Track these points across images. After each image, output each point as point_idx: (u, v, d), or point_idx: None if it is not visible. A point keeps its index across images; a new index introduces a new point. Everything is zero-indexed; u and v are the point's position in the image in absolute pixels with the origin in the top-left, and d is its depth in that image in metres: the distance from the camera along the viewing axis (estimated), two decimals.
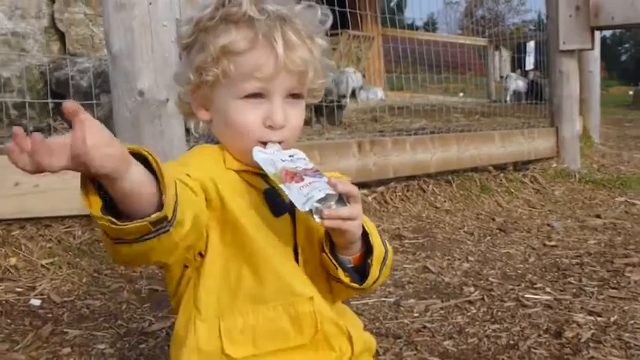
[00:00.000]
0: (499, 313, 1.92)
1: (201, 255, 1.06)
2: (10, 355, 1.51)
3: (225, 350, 1.04)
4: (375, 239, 1.11)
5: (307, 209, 0.98)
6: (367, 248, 1.10)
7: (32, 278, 1.98)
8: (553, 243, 2.83)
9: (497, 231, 3.05)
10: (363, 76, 9.10)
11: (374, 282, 1.11)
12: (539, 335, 1.74)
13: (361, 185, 3.24)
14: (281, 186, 1.00)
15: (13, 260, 2.00)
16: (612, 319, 1.86)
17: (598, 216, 3.42)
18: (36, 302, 1.84)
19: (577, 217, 3.39)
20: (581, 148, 4.98)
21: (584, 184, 4.22)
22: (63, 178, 2.12)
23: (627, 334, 1.74)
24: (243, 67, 1.06)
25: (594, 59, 6.16)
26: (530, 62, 9.73)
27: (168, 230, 0.90)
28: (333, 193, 1.00)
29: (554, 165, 4.46)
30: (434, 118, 5.35)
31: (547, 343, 1.68)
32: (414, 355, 1.61)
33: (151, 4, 2.14)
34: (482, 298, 2.05)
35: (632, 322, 1.83)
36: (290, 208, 1.09)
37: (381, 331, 1.76)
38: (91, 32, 4.38)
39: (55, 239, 2.16)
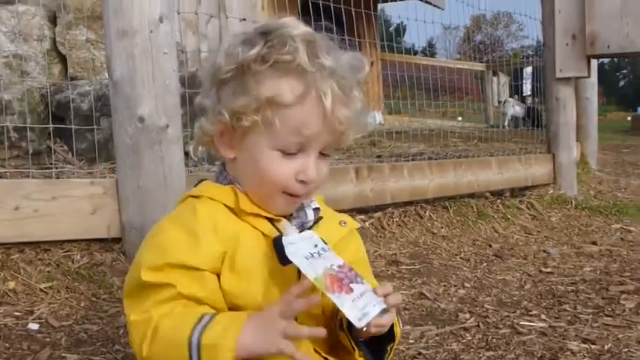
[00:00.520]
0: (494, 340, 1.93)
1: None
2: None
3: None
4: (397, 328, 1.13)
5: (363, 325, 0.99)
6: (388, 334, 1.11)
7: (31, 302, 1.99)
8: (549, 269, 2.84)
9: (494, 257, 3.06)
10: None
11: None
12: None
13: (359, 211, 3.26)
14: (329, 295, 1.00)
15: (11, 284, 2.02)
16: (606, 347, 1.87)
17: (594, 243, 3.44)
18: (34, 326, 1.85)
19: (573, 244, 3.41)
20: (578, 175, 5.00)
21: (581, 211, 4.24)
22: (61, 203, 2.16)
23: None
24: (289, 122, 1.03)
25: (591, 86, 6.21)
26: (527, 88, 9.79)
27: None
28: (385, 306, 1.03)
29: (551, 191, 4.48)
30: (432, 142, 5.37)
31: None
32: None
33: (152, 32, 2.18)
34: (478, 325, 2.07)
35: (625, 350, 1.84)
36: None
37: None
38: (92, 55, 4.42)
39: (54, 263, 2.17)
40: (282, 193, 1.08)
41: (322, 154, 1.09)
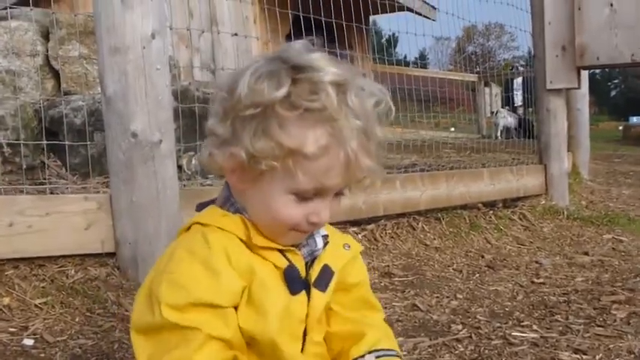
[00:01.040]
0: (486, 351, 1.94)
1: None
2: None
3: None
4: None
5: None
6: None
7: (25, 318, 1.99)
8: (541, 280, 2.86)
9: (486, 268, 3.08)
10: None
11: None
12: None
13: (351, 223, 3.28)
14: None
15: (6, 300, 2.02)
16: (597, 357, 1.89)
17: (586, 253, 3.46)
18: (29, 342, 1.85)
19: (565, 254, 3.43)
20: (570, 185, 5.03)
21: (573, 221, 4.27)
22: (55, 218, 2.16)
23: None
24: (310, 172, 0.99)
25: (582, 96, 6.25)
26: (518, 98, 9.86)
27: None
28: None
29: (543, 202, 4.50)
30: (425, 153, 5.40)
31: None
32: None
33: (144, 48, 2.20)
34: (470, 336, 2.08)
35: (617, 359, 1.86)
36: (306, 286, 1.10)
37: None
38: (85, 70, 4.44)
39: (49, 279, 2.18)
40: (291, 230, 1.06)
41: (338, 194, 1.07)
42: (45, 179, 3.15)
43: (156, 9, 2.24)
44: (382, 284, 2.70)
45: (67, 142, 2.68)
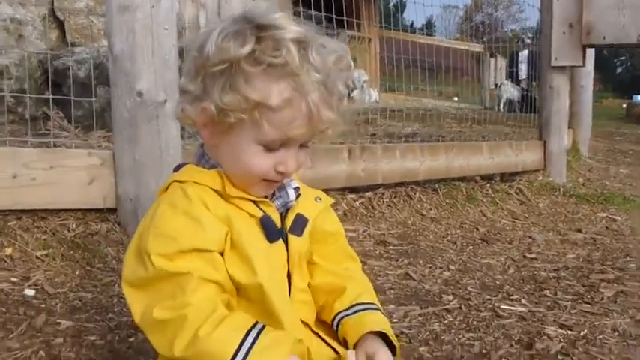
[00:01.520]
0: (474, 322, 1.99)
1: None
2: (5, 343, 1.57)
3: None
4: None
5: None
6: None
7: (27, 268, 2.04)
8: (533, 255, 2.91)
9: (480, 241, 3.12)
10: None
11: None
12: (511, 345, 1.81)
13: (350, 190, 3.31)
14: None
15: (9, 250, 2.06)
16: (582, 333, 1.93)
17: (579, 230, 3.51)
18: (30, 292, 1.90)
19: (558, 231, 3.48)
20: (568, 162, 5.06)
21: (568, 198, 4.31)
22: (58, 172, 2.20)
23: (595, 349, 1.81)
24: (275, 123, 1.06)
25: (587, 74, 6.25)
26: (523, 71, 9.82)
27: None
28: None
29: (540, 178, 4.54)
30: (427, 123, 5.42)
31: (517, 354, 1.76)
32: None
33: (153, 7, 2.21)
34: (460, 307, 2.13)
35: (600, 336, 1.91)
36: (282, 234, 1.17)
37: None
38: (90, 22, 4.43)
39: (50, 231, 2.22)
40: (262, 181, 1.13)
41: (302, 146, 1.13)
42: (47, 130, 3.18)
43: None
44: (377, 252, 2.74)
45: (72, 97, 2.70)
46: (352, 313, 1.25)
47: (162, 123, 2.26)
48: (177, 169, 1.20)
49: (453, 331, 1.91)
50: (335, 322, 1.26)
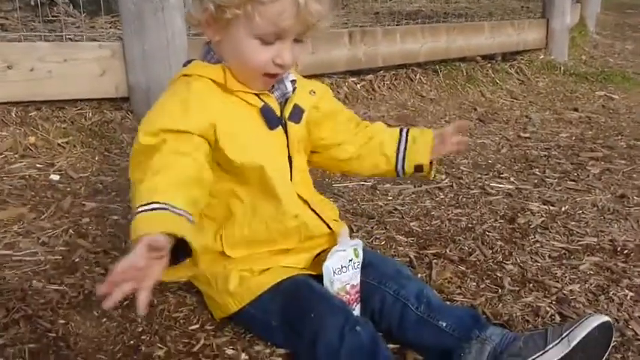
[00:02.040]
0: (464, 199, 2.15)
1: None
2: (38, 223, 1.74)
3: (226, 252, 1.29)
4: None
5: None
6: None
7: (50, 155, 2.19)
8: (527, 135, 3.03)
9: (477, 121, 3.24)
10: None
11: None
12: (495, 220, 1.97)
13: (351, 73, 3.39)
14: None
15: (32, 139, 2.21)
16: (563, 208, 2.08)
17: (575, 109, 3.60)
18: (55, 177, 2.06)
19: (555, 110, 3.57)
20: (573, 38, 5.06)
21: (568, 77, 4.37)
22: (72, 65, 2.31)
23: (573, 223, 1.96)
24: (266, 16, 1.16)
25: None
26: None
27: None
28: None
29: (542, 56, 4.58)
30: None
31: (500, 228, 1.91)
32: (383, 233, 1.84)
33: None
34: (452, 185, 2.28)
35: (580, 212, 2.06)
36: (283, 122, 1.30)
37: (357, 212, 2.00)
38: None
39: (69, 120, 2.36)
40: (262, 75, 1.25)
41: (297, 40, 1.24)
42: (54, 17, 3.25)
43: None
44: None
45: None
46: (406, 147, 1.49)
47: (168, 15, 2.35)
48: (186, 63, 1.32)
49: (442, 207, 2.07)
50: (399, 162, 1.49)
